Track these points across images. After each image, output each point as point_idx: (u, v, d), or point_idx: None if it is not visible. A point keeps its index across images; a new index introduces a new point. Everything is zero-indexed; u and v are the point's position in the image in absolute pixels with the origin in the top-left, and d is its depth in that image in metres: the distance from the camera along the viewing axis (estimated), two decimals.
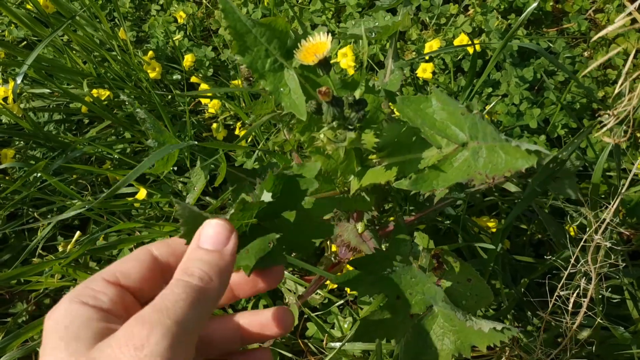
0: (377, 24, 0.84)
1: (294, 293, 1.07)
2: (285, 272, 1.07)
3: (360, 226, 0.83)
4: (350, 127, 0.53)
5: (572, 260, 0.63)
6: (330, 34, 0.51)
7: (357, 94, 0.57)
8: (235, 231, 0.44)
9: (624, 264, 0.61)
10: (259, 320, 0.48)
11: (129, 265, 0.43)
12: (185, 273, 0.40)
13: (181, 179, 1.23)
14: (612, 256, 0.61)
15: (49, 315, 0.39)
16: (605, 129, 0.50)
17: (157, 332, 0.35)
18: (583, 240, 0.62)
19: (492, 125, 0.46)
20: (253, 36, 0.55)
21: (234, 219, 0.45)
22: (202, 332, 0.42)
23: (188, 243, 0.43)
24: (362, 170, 0.62)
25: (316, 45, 0.52)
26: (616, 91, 0.48)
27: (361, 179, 0.60)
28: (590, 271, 0.60)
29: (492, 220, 1.12)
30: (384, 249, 0.75)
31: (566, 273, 0.63)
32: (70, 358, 0.36)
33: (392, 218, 1.06)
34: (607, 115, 0.50)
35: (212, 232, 0.43)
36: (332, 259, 1.02)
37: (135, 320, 0.36)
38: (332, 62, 1.35)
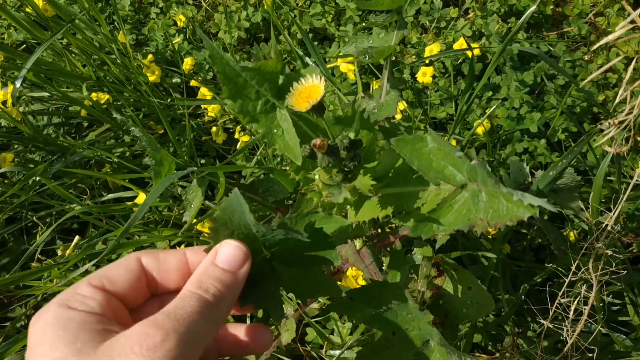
0: (371, 42, 0.83)
1: (291, 300, 1.07)
2: None
3: (358, 243, 0.83)
4: (345, 169, 0.53)
5: (573, 268, 0.63)
6: (322, 78, 0.49)
7: (352, 133, 0.56)
8: (250, 256, 0.45)
9: (624, 271, 0.61)
10: (235, 335, 0.48)
11: (117, 272, 0.43)
12: (200, 287, 0.41)
13: (180, 183, 1.23)
14: (613, 264, 0.61)
15: (36, 320, 0.39)
16: (605, 138, 0.50)
17: (172, 339, 0.36)
18: (584, 248, 0.61)
19: (492, 175, 0.45)
20: (243, 79, 0.54)
21: (255, 232, 0.44)
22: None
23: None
24: (359, 201, 0.61)
25: (309, 89, 0.50)
26: (617, 100, 0.48)
27: (358, 210, 0.59)
28: (591, 279, 0.60)
29: None
30: (381, 266, 0.75)
31: (567, 281, 0.63)
32: (75, 357, 0.36)
33: (388, 229, 1.06)
34: (607, 124, 0.50)
35: (230, 252, 0.43)
36: (332, 268, 1.01)
37: (150, 324, 0.37)
38: (332, 66, 1.35)
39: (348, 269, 1.01)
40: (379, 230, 0.94)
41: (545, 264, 1.04)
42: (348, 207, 0.62)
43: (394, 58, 1.42)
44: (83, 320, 0.38)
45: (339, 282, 1.04)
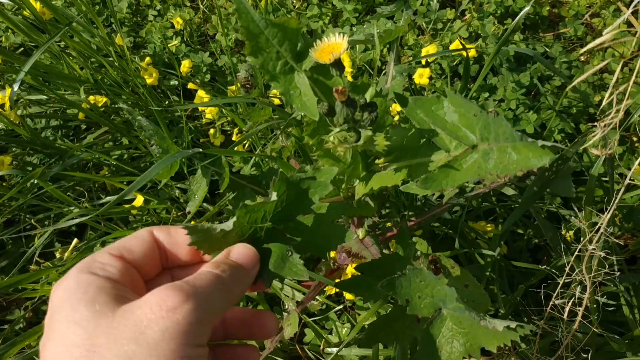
0: (378, 30, 0.84)
1: (292, 299, 1.07)
2: None
3: (361, 232, 0.83)
4: (359, 129, 0.54)
5: (567, 269, 0.63)
6: (345, 35, 0.52)
7: (368, 96, 0.57)
8: (259, 259, 0.47)
9: (619, 272, 0.61)
10: (241, 318, 0.50)
11: (133, 242, 0.45)
12: (217, 268, 0.43)
13: (178, 185, 1.24)
14: (607, 265, 0.61)
15: (58, 286, 0.40)
16: (591, 141, 0.50)
17: (192, 302, 0.37)
18: (577, 250, 0.62)
19: (507, 124, 0.46)
20: (265, 37, 0.55)
21: (238, 223, 0.46)
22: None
23: (198, 249, 0.45)
24: (367, 175, 0.62)
25: (332, 45, 0.53)
26: (604, 102, 0.48)
27: (367, 184, 0.60)
28: (585, 280, 0.61)
29: (489, 225, 1.13)
30: (388, 254, 0.75)
31: (561, 282, 0.63)
32: (94, 318, 0.37)
33: (389, 224, 1.07)
34: (597, 126, 0.51)
35: (244, 252, 0.46)
36: (331, 264, 1.02)
37: (170, 286, 0.38)
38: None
39: (347, 266, 1.01)
40: (381, 214, 0.94)
41: (541, 265, 1.04)
42: (357, 181, 0.63)
43: (385, 61, 1.42)
44: (102, 285, 0.39)
45: (337, 280, 1.05)
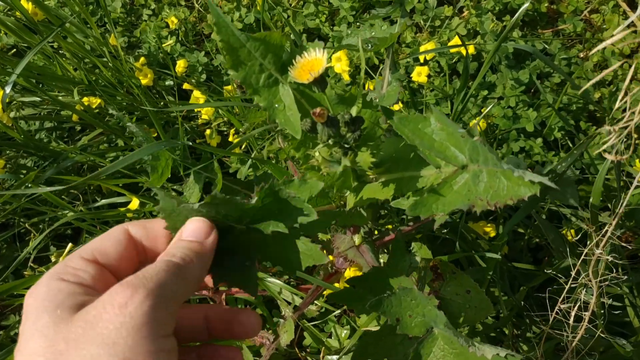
0: (373, 33, 0.83)
1: (290, 304, 1.06)
2: (281, 282, 1.06)
3: (357, 238, 0.82)
4: (346, 145, 0.52)
5: (573, 274, 0.62)
6: (325, 51, 0.50)
7: (354, 111, 0.56)
8: (215, 228, 0.47)
9: (625, 276, 0.60)
10: (224, 316, 0.50)
11: (107, 244, 0.44)
12: (168, 254, 0.43)
13: (175, 187, 1.22)
14: (614, 270, 0.60)
15: (29, 293, 0.39)
16: (605, 146, 0.49)
17: (141, 293, 0.37)
18: (584, 254, 0.60)
19: (494, 152, 0.45)
20: (247, 50, 0.54)
21: (206, 213, 0.46)
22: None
23: (173, 234, 0.46)
24: (359, 186, 0.60)
25: (311, 62, 0.50)
26: (616, 105, 0.47)
27: (358, 195, 0.58)
28: (592, 285, 0.59)
29: (489, 225, 1.11)
30: (382, 265, 0.73)
31: (567, 287, 0.62)
32: (54, 324, 0.37)
33: (390, 226, 1.05)
34: (608, 130, 0.49)
35: (194, 226, 0.46)
36: (329, 268, 1.00)
37: (119, 285, 0.38)
38: (327, 66, 1.34)
39: (346, 270, 1.00)
40: (379, 216, 0.93)
41: (544, 266, 1.03)
42: (347, 192, 0.61)
43: (383, 59, 1.41)
44: (71, 291, 0.39)
45: (336, 284, 1.04)
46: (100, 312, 0.36)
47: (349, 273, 1.01)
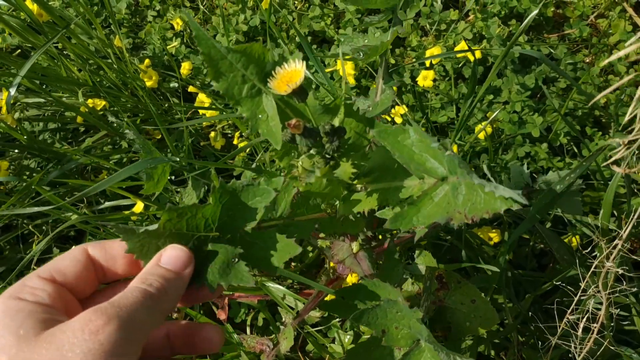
0: (366, 41, 0.82)
1: (293, 309, 1.05)
2: (284, 287, 1.06)
3: (355, 246, 0.81)
4: (327, 156, 0.52)
5: (582, 286, 0.61)
6: (304, 62, 0.50)
7: (337, 121, 0.56)
8: (193, 259, 0.47)
9: (634, 289, 0.59)
10: (186, 333, 0.50)
11: (65, 263, 0.45)
12: (144, 282, 0.43)
13: (179, 190, 1.22)
14: (623, 281, 0.59)
15: None
16: (613, 158, 0.48)
17: (114, 323, 0.37)
18: (593, 266, 0.60)
19: (467, 166, 0.45)
20: (228, 62, 0.54)
21: (165, 226, 0.45)
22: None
23: (145, 263, 0.46)
24: (348, 195, 0.60)
25: (290, 73, 0.50)
26: (627, 117, 0.46)
27: (346, 204, 0.58)
28: (601, 297, 0.59)
29: (494, 231, 1.11)
30: (377, 272, 0.73)
31: (575, 299, 0.61)
32: (17, 343, 0.37)
33: (390, 234, 1.05)
34: (617, 142, 0.49)
35: (174, 255, 0.46)
36: (331, 274, 1.00)
37: (93, 310, 0.38)
38: (331, 70, 1.33)
39: (347, 276, 1.00)
40: (378, 237, 0.92)
41: (549, 273, 1.02)
42: (337, 202, 0.61)
43: (393, 61, 1.40)
44: (31, 310, 0.39)
45: (336, 288, 1.03)
46: (68, 336, 0.36)
47: (351, 279, 1.00)
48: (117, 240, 0.47)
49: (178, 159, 0.79)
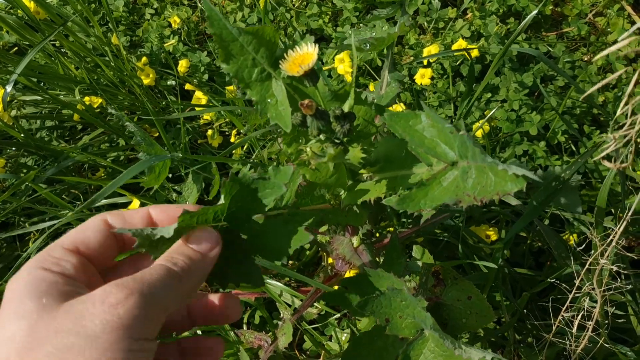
0: (374, 34, 0.82)
1: (290, 306, 1.05)
2: (282, 284, 1.06)
3: (355, 240, 0.81)
4: (337, 140, 0.52)
5: (577, 283, 0.61)
6: (317, 45, 0.50)
7: (346, 107, 0.55)
8: (221, 241, 0.46)
9: (629, 286, 0.59)
10: (205, 303, 0.50)
11: (87, 233, 0.44)
12: (169, 261, 0.42)
13: (175, 187, 1.21)
14: (618, 278, 0.59)
15: (12, 281, 0.40)
16: (604, 153, 0.48)
17: (135, 297, 0.37)
18: (588, 263, 0.60)
19: (479, 147, 0.45)
20: (239, 44, 0.53)
21: (181, 229, 0.45)
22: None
23: (154, 258, 0.45)
24: (353, 185, 0.60)
25: (302, 56, 0.51)
26: (618, 112, 0.46)
27: (352, 192, 0.58)
28: (596, 294, 0.59)
29: (491, 229, 1.11)
30: (378, 266, 0.73)
31: (570, 296, 0.61)
32: (38, 311, 0.37)
33: (391, 229, 1.05)
34: (610, 137, 0.49)
35: (202, 235, 0.45)
36: (329, 271, 1.00)
37: (115, 283, 0.38)
38: (329, 67, 1.33)
39: (346, 273, 0.99)
40: (380, 219, 0.92)
41: (546, 271, 1.02)
42: (342, 191, 0.61)
43: (396, 49, 1.40)
44: (54, 281, 0.39)
45: (336, 287, 1.03)
46: (88, 307, 0.37)
47: (349, 275, 1.00)
48: (136, 210, 0.47)
49: (181, 155, 0.79)
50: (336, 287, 1.04)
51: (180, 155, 0.81)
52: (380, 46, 0.79)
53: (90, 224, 0.45)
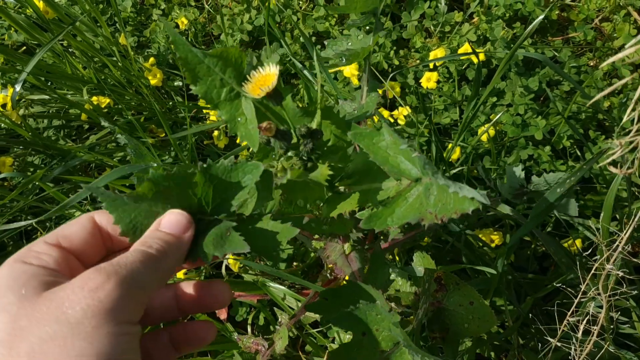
0: (349, 44, 0.82)
1: (293, 309, 1.06)
2: (284, 287, 1.06)
3: (347, 247, 0.81)
4: (304, 158, 0.52)
5: (583, 288, 0.61)
6: (277, 66, 0.50)
7: (314, 124, 0.56)
8: (193, 223, 0.47)
9: (634, 291, 0.59)
10: (194, 291, 0.50)
11: (72, 229, 0.45)
12: (144, 244, 0.43)
13: None
14: (623, 284, 0.59)
15: None
16: (610, 159, 0.49)
17: (113, 280, 0.38)
18: (594, 268, 0.60)
19: (434, 168, 0.46)
20: (206, 66, 0.54)
21: (150, 195, 0.45)
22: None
23: (131, 241, 0.45)
24: (332, 197, 0.60)
25: (265, 77, 0.51)
26: (625, 118, 0.46)
27: (330, 205, 0.58)
28: (602, 299, 0.59)
29: (495, 233, 1.11)
30: (364, 276, 0.74)
31: (576, 301, 0.61)
32: (18, 301, 0.37)
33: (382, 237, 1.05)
34: (616, 143, 0.49)
35: (173, 218, 0.46)
36: (329, 274, 1.00)
37: (93, 270, 0.38)
38: (335, 70, 1.33)
39: (344, 276, 1.00)
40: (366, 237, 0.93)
41: (550, 276, 1.02)
42: (321, 203, 0.62)
43: (397, 62, 1.40)
44: (35, 273, 0.39)
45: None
46: (67, 294, 0.37)
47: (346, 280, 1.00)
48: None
49: (163, 168, 0.80)
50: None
51: (161, 168, 0.81)
52: (354, 59, 0.79)
53: (77, 220, 0.46)
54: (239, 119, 0.56)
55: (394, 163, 0.51)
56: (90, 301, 0.36)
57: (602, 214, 0.68)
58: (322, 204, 0.62)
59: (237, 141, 1.30)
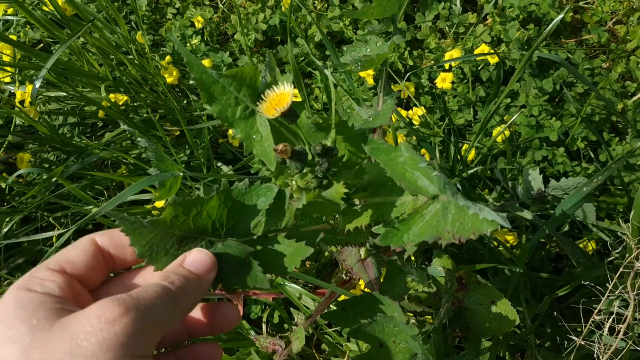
0: (368, 50, 0.82)
1: (309, 309, 1.06)
2: (300, 287, 1.06)
3: (363, 252, 0.82)
4: (319, 176, 0.52)
5: (610, 286, 0.62)
6: (292, 85, 0.50)
7: (329, 141, 0.56)
8: (217, 264, 0.47)
9: None
10: (202, 314, 0.50)
11: (73, 253, 0.44)
12: (166, 280, 0.42)
13: (197, 186, 1.23)
14: None
15: None
16: None
17: (132, 314, 0.37)
18: (622, 266, 0.60)
19: (453, 187, 0.46)
20: (221, 86, 0.54)
21: (170, 223, 0.45)
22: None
23: (146, 264, 0.45)
24: (347, 209, 0.60)
25: (279, 96, 0.51)
26: None
27: (345, 218, 0.58)
28: (629, 298, 0.59)
29: (510, 234, 1.11)
30: (379, 283, 0.75)
31: (603, 299, 0.62)
32: (30, 333, 0.36)
33: None
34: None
35: (198, 258, 0.45)
36: (344, 275, 1.00)
37: (112, 299, 0.37)
38: (350, 69, 1.34)
39: (360, 278, 1.00)
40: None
41: (565, 277, 1.03)
42: (338, 215, 0.62)
43: (411, 62, 1.41)
44: (41, 301, 0.39)
45: (352, 291, 1.04)
46: (83, 325, 0.36)
47: (363, 282, 1.01)
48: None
49: (181, 174, 0.81)
50: (354, 291, 1.05)
51: (180, 174, 0.82)
52: (369, 66, 0.79)
53: (77, 244, 0.45)
54: (254, 136, 0.57)
55: (411, 179, 0.51)
56: (106, 334, 0.36)
57: (632, 212, 0.68)
58: (337, 215, 0.62)
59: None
